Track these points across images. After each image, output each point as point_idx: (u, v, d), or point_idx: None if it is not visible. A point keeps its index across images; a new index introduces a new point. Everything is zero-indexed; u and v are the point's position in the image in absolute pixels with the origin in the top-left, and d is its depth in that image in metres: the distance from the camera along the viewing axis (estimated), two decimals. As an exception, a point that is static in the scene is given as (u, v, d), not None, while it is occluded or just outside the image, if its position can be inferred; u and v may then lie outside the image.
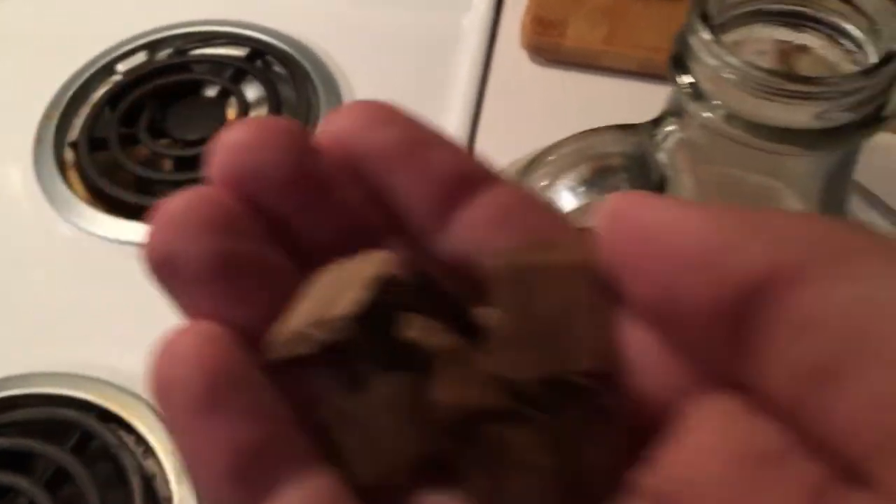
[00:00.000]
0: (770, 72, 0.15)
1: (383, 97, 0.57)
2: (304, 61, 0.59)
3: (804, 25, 0.18)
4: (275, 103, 0.56)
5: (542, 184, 0.18)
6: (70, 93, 0.59)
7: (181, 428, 0.16)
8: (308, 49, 0.60)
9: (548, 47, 0.56)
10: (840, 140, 0.16)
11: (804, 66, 0.18)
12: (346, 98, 0.57)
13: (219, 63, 0.60)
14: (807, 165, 0.18)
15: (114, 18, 0.63)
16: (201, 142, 0.55)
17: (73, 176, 0.55)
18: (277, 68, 0.60)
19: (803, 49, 0.18)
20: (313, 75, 0.58)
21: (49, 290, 0.50)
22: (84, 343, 0.47)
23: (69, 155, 0.56)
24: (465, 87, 0.57)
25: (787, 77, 0.15)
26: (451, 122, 0.55)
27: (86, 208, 0.53)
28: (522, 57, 0.58)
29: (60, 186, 0.54)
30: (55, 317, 0.49)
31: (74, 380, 0.45)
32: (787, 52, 0.18)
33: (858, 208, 0.23)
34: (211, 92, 0.58)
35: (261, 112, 0.57)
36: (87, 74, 0.60)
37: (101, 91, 0.59)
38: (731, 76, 0.16)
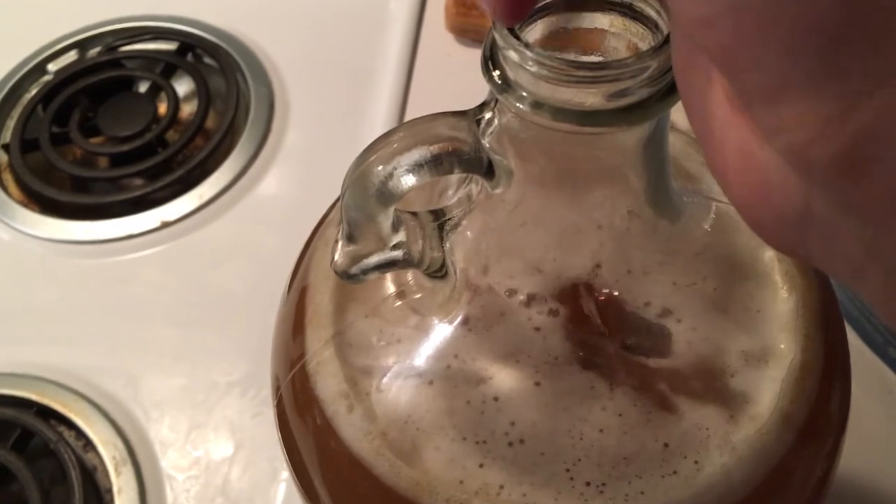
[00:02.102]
0: (560, 60, 0.16)
1: (313, 82, 0.58)
2: (233, 52, 0.59)
3: (611, 10, 0.19)
4: (205, 95, 0.56)
5: (378, 167, 0.19)
6: (1, 95, 0.59)
7: None
8: (236, 40, 0.60)
9: (471, 28, 0.57)
10: (642, 113, 0.17)
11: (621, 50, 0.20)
12: (276, 86, 0.58)
13: (149, 58, 0.60)
14: (622, 138, 0.19)
15: (43, 18, 0.63)
16: (134, 137, 0.55)
17: (8, 178, 0.55)
18: (207, 60, 0.60)
19: (612, 33, 0.19)
20: (243, 65, 0.59)
21: (-14, 292, 0.51)
22: (21, 342, 0.48)
23: (2, 157, 0.56)
24: (393, 70, 0.58)
25: (574, 64, 0.16)
26: (381, 103, 0.56)
27: (21, 210, 0.53)
28: (448, 38, 0.59)
29: (-5, 189, 0.54)
30: (-7, 318, 0.49)
31: (12, 379, 0.45)
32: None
33: (683, 156, 0.25)
34: (142, 87, 0.59)
35: (192, 105, 0.57)
36: (18, 75, 0.60)
37: (32, 92, 0.60)
38: (531, 67, 0.17)
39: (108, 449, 0.43)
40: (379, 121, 0.54)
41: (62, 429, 0.44)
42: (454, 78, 0.57)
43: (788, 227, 0.14)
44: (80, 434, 0.44)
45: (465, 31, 0.58)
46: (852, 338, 0.44)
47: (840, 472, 0.41)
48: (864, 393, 0.44)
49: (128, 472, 0.43)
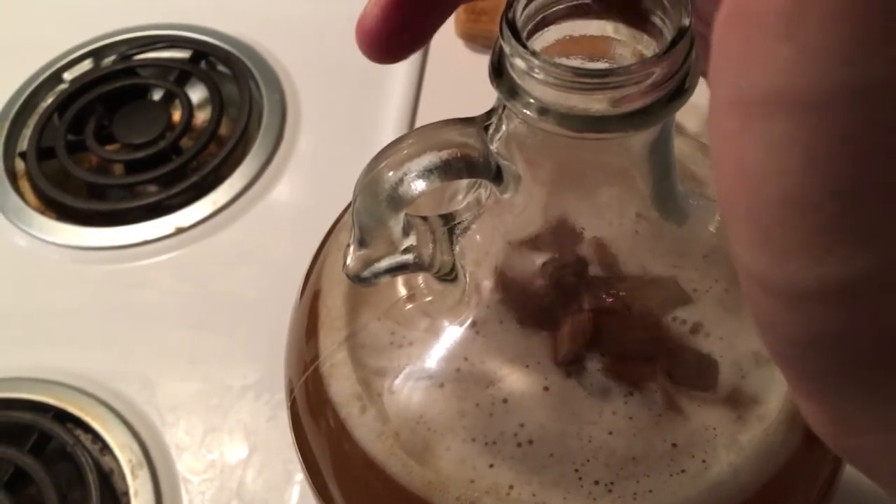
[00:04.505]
0: (565, 67, 0.17)
1: (324, 88, 0.59)
2: (246, 59, 0.60)
3: (617, 18, 0.19)
4: (218, 103, 0.57)
5: (388, 173, 0.20)
6: (18, 103, 0.60)
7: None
8: (249, 47, 0.61)
9: (481, 34, 0.57)
10: (647, 119, 0.18)
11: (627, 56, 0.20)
12: (288, 92, 0.59)
13: (163, 66, 0.61)
14: (628, 142, 0.19)
15: (59, 27, 0.64)
16: (149, 144, 0.56)
17: (25, 185, 0.56)
18: (221, 68, 0.61)
19: (618, 40, 0.20)
20: (255, 73, 0.59)
21: (4, 296, 0.51)
22: (38, 347, 0.48)
23: (19, 165, 0.57)
24: (404, 76, 0.58)
25: (579, 71, 0.17)
26: (392, 109, 0.56)
27: (38, 217, 0.54)
28: (458, 44, 0.59)
29: (12, 196, 0.55)
30: (10, 322, 0.50)
31: (30, 383, 0.46)
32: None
33: (689, 160, 0.25)
34: (156, 95, 0.60)
35: (205, 113, 0.58)
36: (34, 84, 0.61)
37: (49, 100, 0.60)
38: (537, 74, 0.17)
39: (124, 452, 0.44)
40: (390, 127, 0.55)
41: (79, 432, 0.45)
42: (464, 84, 0.57)
43: None
44: (97, 438, 0.45)
45: (474, 37, 0.58)
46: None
47: (852, 474, 0.41)
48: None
49: (144, 475, 0.43)
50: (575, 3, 0.18)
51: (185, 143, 0.57)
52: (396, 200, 0.20)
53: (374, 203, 0.20)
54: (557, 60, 0.17)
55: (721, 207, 0.13)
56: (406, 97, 0.57)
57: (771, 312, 0.12)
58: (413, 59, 0.59)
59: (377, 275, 0.21)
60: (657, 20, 0.18)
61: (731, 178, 0.12)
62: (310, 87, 0.59)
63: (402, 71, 0.58)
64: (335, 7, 0.63)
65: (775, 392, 0.23)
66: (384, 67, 0.59)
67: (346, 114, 0.57)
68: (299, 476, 0.43)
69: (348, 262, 0.21)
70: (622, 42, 0.19)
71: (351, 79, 0.59)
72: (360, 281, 0.21)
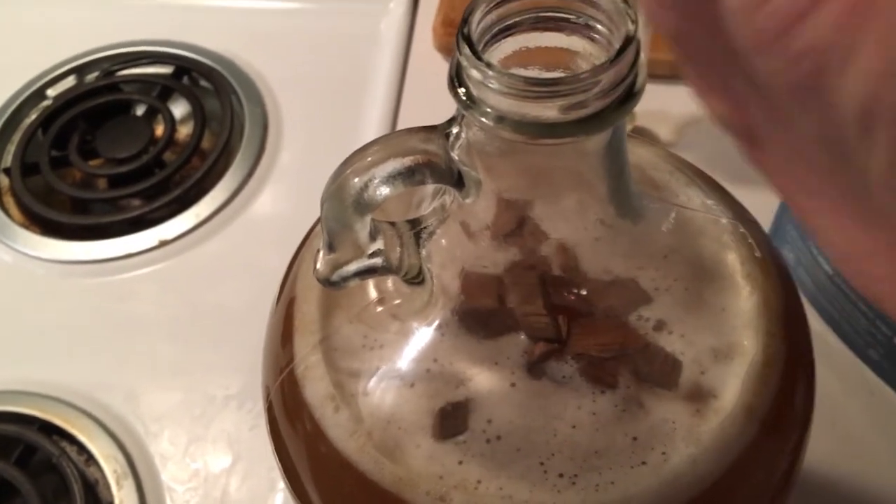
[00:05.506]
0: (518, 77, 0.18)
1: (305, 101, 0.59)
2: (228, 74, 0.61)
3: (570, 31, 0.20)
4: (200, 117, 0.58)
5: (354, 179, 0.20)
6: (2, 120, 0.60)
7: None
8: (231, 62, 0.62)
9: (458, 46, 0.58)
10: (598, 124, 0.19)
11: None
12: (270, 106, 0.60)
13: (146, 82, 0.62)
14: (582, 147, 0.20)
15: (42, 45, 0.65)
16: (132, 159, 0.57)
17: (9, 201, 0.57)
18: (203, 83, 0.62)
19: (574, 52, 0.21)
20: (237, 87, 0.60)
21: (-11, 312, 0.52)
22: (24, 360, 0.49)
23: (4, 181, 0.58)
24: (384, 89, 0.59)
25: (531, 80, 0.18)
26: (372, 122, 0.57)
27: (23, 232, 0.54)
28: (437, 57, 0.60)
29: (-3, 212, 0.55)
30: (-5, 337, 0.51)
31: (15, 396, 0.47)
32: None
33: (651, 166, 0.26)
34: (139, 110, 0.60)
35: (188, 127, 0.59)
36: (18, 101, 0.62)
37: (32, 116, 0.61)
38: (492, 84, 0.18)
39: (109, 463, 0.44)
40: (370, 138, 0.56)
41: (64, 444, 0.45)
42: (442, 96, 0.58)
43: None
44: (82, 449, 0.45)
45: (452, 50, 0.59)
46: (834, 340, 0.45)
47: (823, 471, 0.42)
48: (846, 395, 0.45)
49: (129, 485, 0.44)
50: (529, 16, 0.19)
51: (168, 157, 0.57)
52: (362, 205, 0.20)
53: (341, 208, 0.21)
54: (512, 71, 0.18)
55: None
56: (385, 109, 0.58)
57: None
58: (392, 72, 0.60)
59: (345, 278, 0.22)
60: (605, 32, 0.19)
61: None
62: (291, 101, 0.60)
63: (382, 83, 0.59)
64: (315, 22, 0.64)
65: (731, 386, 0.23)
66: (364, 81, 0.61)
67: (326, 126, 0.58)
68: (282, 484, 0.43)
69: (318, 266, 0.22)
70: (575, 52, 0.20)
71: (331, 92, 0.60)
72: (329, 284, 0.22)
